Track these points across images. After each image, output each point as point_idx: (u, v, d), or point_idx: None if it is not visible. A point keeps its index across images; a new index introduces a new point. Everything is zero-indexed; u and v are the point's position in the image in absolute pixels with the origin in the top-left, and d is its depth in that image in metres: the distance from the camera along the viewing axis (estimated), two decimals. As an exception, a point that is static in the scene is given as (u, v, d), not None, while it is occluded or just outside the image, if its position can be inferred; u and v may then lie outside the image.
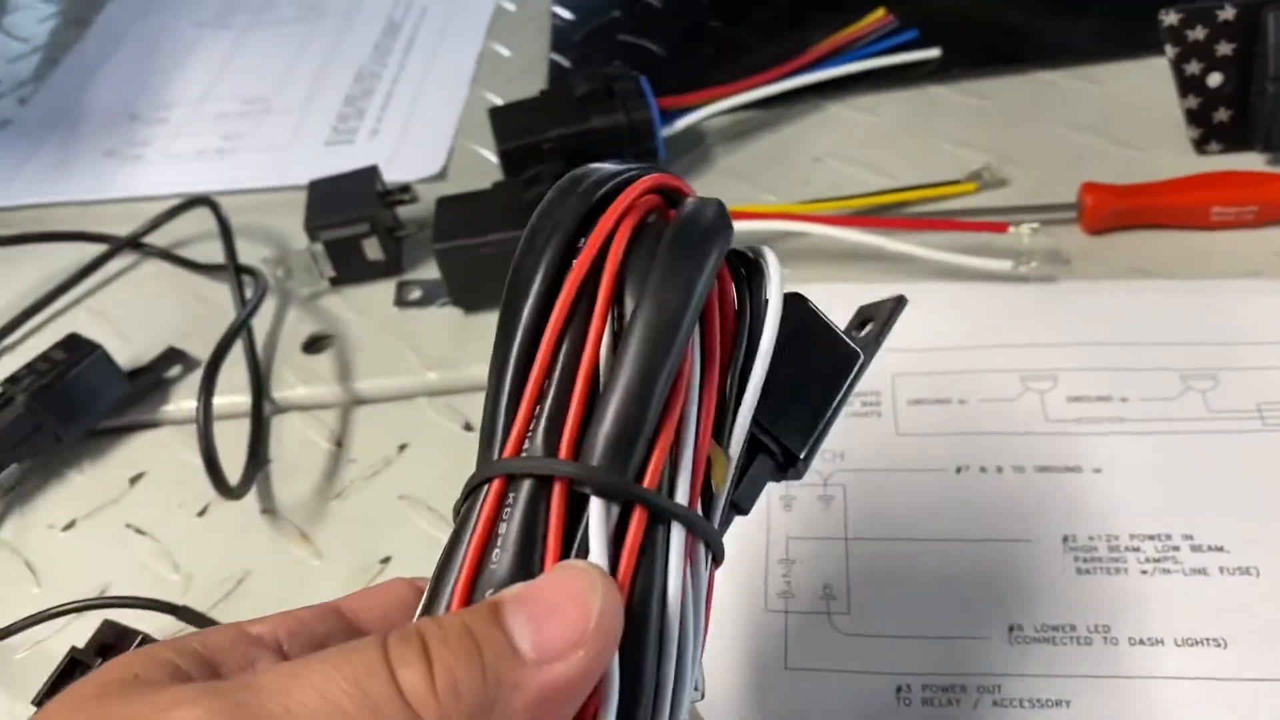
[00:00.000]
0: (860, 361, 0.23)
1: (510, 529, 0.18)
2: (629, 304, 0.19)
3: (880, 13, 0.49)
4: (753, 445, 0.21)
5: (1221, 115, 0.41)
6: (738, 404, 0.20)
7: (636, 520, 0.18)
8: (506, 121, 0.44)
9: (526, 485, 0.18)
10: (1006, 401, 0.35)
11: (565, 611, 0.17)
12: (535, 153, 0.43)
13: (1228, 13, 0.39)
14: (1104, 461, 0.33)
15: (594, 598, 0.17)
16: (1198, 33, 0.40)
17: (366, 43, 0.58)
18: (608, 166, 0.20)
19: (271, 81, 0.56)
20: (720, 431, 0.20)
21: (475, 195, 0.41)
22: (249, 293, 0.42)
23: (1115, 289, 0.37)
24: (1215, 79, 0.40)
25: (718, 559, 0.20)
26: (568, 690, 0.17)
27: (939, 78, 0.47)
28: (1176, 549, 0.30)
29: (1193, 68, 0.40)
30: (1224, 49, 0.40)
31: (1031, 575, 0.30)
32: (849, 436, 0.35)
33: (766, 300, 0.21)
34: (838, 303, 0.38)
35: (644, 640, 0.18)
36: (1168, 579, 0.30)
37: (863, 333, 0.26)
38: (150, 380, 0.40)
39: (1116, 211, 0.39)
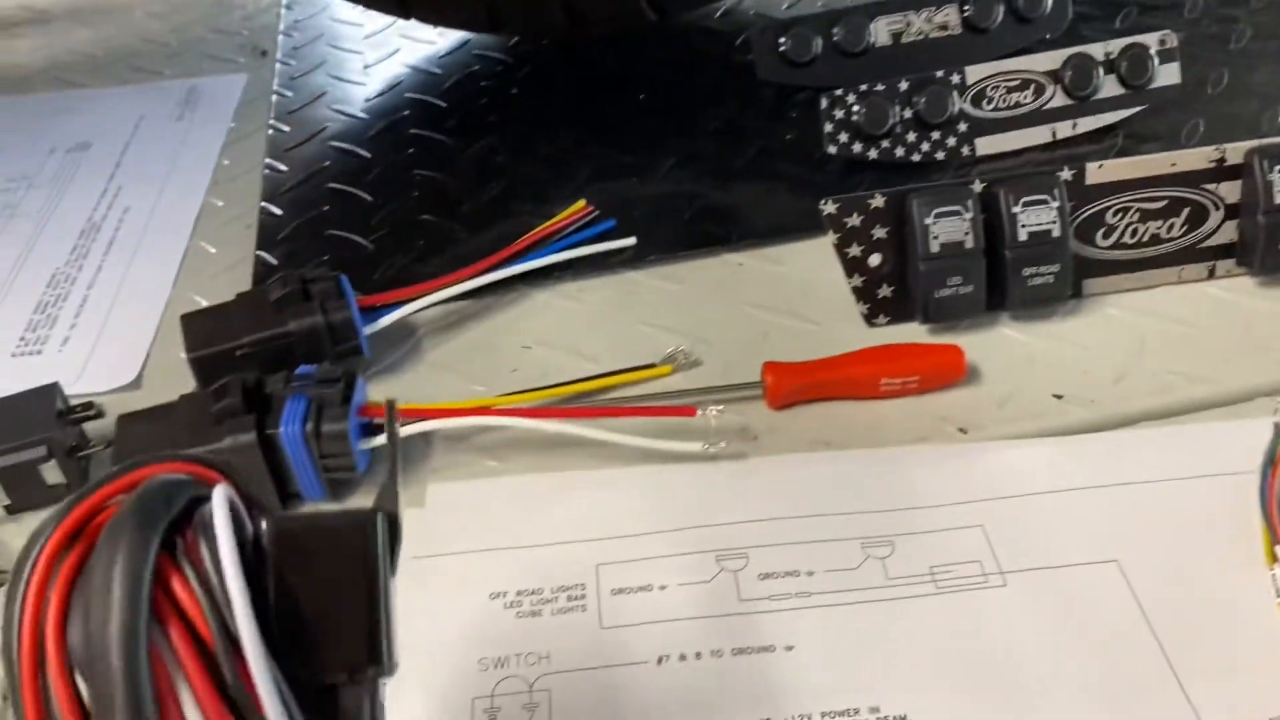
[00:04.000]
0: (373, 518, 0.20)
1: None
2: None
3: (581, 204, 0.51)
4: (324, 692, 0.19)
5: (885, 291, 0.45)
6: (250, 693, 0.18)
7: None
8: (199, 328, 0.43)
9: None
10: (703, 583, 0.35)
11: None
12: (230, 360, 0.42)
13: (878, 200, 0.43)
14: (795, 638, 0.34)
15: None
16: (854, 219, 0.43)
17: (63, 245, 0.55)
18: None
19: (-46, 290, 0.53)
20: None
21: (161, 410, 0.40)
22: (-94, 532, 0.38)
23: (799, 462, 0.39)
24: (875, 259, 0.44)
25: None
26: None
27: (635, 264, 0.50)
28: (863, 722, 0.31)
29: (854, 250, 0.44)
30: (879, 232, 0.44)
31: (730, 765, 0.31)
32: (553, 636, 0.34)
33: (219, 562, 0.18)
34: (536, 495, 0.39)
35: None
36: (856, 754, 0.31)
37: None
38: None
39: (796, 388, 0.41)
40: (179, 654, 0.18)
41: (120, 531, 0.18)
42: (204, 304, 0.50)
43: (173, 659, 0.18)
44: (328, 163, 0.59)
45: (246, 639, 0.18)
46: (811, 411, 0.41)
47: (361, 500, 0.40)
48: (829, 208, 0.43)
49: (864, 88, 0.52)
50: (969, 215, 0.43)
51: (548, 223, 0.50)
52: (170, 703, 0.17)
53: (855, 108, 0.52)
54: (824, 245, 0.49)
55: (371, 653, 0.20)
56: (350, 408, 0.38)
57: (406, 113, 0.62)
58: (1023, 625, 0.34)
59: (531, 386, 0.43)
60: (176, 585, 0.18)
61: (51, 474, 0.40)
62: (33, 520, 0.40)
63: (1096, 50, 0.53)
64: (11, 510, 0.40)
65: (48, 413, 0.40)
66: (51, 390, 0.41)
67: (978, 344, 0.43)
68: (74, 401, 0.42)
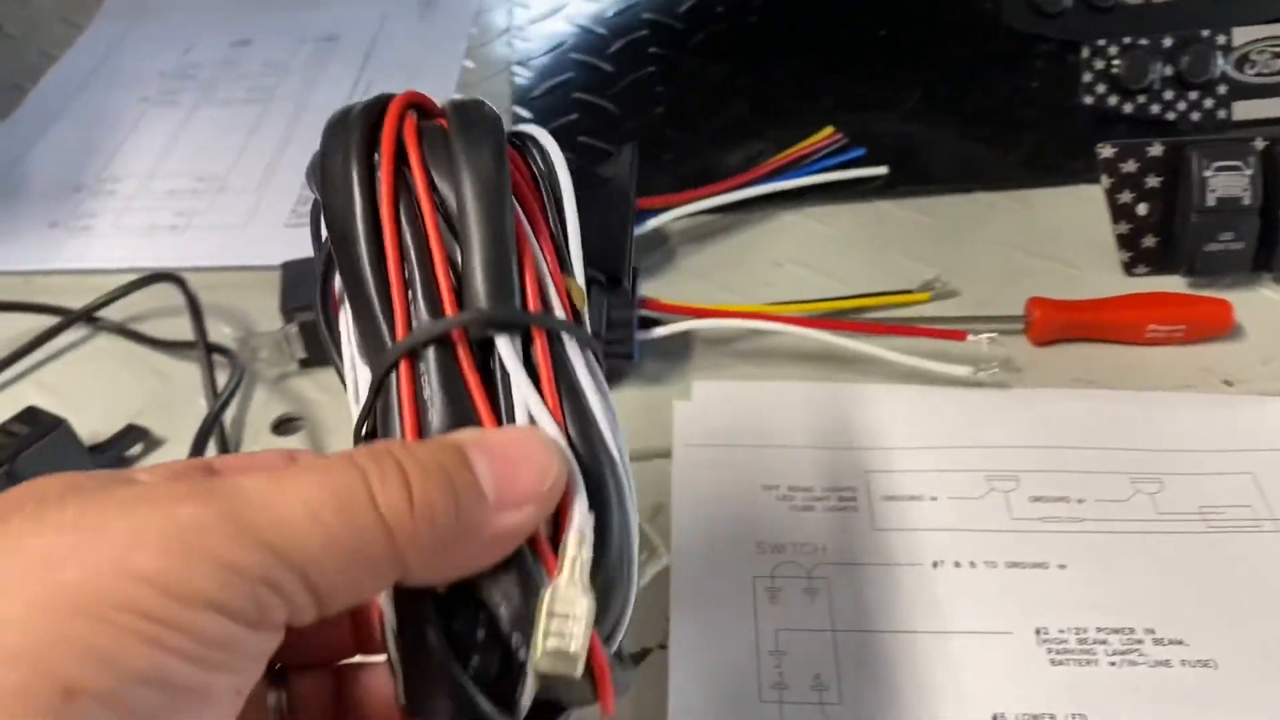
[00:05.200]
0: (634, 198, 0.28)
1: (434, 396, 0.20)
2: (444, 189, 0.21)
3: (829, 130, 0.52)
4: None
5: (1149, 241, 0.45)
6: (566, 237, 0.23)
7: (539, 341, 0.21)
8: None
9: (431, 352, 0.20)
10: (974, 500, 0.37)
11: (524, 468, 0.19)
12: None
13: (1156, 149, 0.43)
14: (1068, 559, 0.35)
15: (552, 462, 0.19)
16: (1129, 166, 0.44)
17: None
18: (356, 102, 0.22)
19: (224, 161, 0.56)
20: (564, 265, 0.23)
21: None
22: (219, 372, 0.41)
23: (1066, 396, 0.40)
24: (1143, 208, 0.44)
25: (601, 363, 0.23)
26: (513, 536, 0.19)
27: (885, 194, 0.50)
28: (1140, 642, 0.32)
29: (1124, 197, 0.44)
30: (1152, 181, 0.44)
31: (1010, 666, 0.32)
32: (827, 531, 0.36)
33: (550, 156, 0.23)
34: (805, 401, 0.40)
35: (587, 434, 0.20)
36: (1134, 670, 0.32)
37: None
38: (111, 458, 0.39)
39: (1062, 325, 0.42)
40: (524, 200, 0.22)
41: (484, 108, 0.22)
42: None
43: (526, 220, 0.22)
44: (571, 74, 0.60)
45: (568, 202, 0.23)
46: (1073, 350, 0.42)
47: (633, 388, 0.42)
48: (1106, 151, 0.43)
49: (1127, 41, 0.52)
50: (1249, 172, 0.42)
51: (797, 146, 0.51)
52: (525, 249, 0.21)
53: (1116, 60, 0.52)
54: (1074, 192, 0.49)
55: (622, 272, 0.26)
56: (634, 298, 0.40)
57: (645, 32, 0.63)
58: (1295, 572, 0.34)
59: (788, 299, 0.44)
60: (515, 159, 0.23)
61: (345, 334, 0.42)
62: (321, 374, 0.43)
63: (1372, 22, 0.52)
64: (305, 363, 0.43)
65: (344, 277, 0.43)
66: (346, 257, 0.44)
67: (1239, 301, 0.43)
68: (362, 270, 0.45)
